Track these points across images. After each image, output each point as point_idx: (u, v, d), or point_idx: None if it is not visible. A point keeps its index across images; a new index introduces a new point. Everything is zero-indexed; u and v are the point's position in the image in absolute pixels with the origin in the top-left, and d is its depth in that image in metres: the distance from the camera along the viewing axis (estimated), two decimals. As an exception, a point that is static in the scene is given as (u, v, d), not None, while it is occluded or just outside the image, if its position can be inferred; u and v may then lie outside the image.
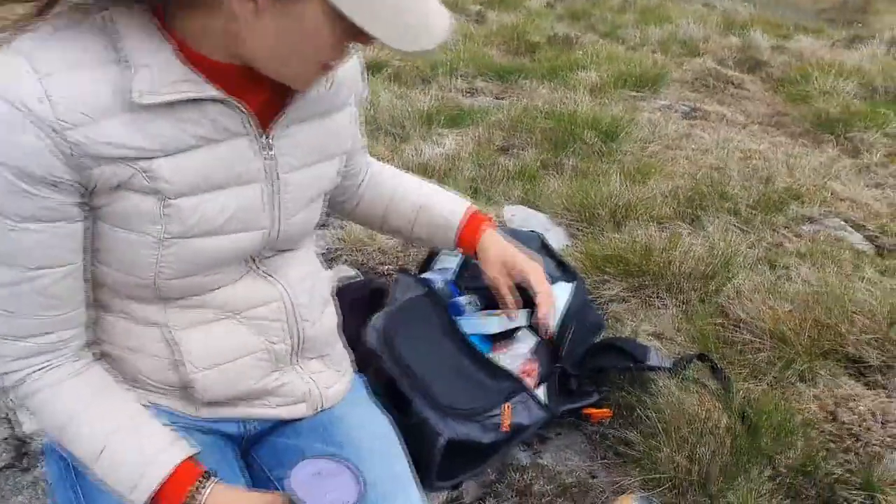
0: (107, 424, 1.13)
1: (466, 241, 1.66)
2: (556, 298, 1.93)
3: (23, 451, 1.84)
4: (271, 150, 1.15)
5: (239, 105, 1.07)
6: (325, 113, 1.23)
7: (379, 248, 2.91)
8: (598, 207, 3.15)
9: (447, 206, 1.68)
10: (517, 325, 1.96)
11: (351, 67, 1.28)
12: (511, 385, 1.76)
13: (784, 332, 2.39)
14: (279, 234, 1.23)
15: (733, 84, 5.74)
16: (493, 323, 1.97)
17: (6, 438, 1.86)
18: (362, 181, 1.62)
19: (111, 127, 0.98)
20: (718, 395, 2.10)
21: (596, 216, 3.14)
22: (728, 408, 2.04)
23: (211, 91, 1.03)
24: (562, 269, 2.18)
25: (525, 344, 1.94)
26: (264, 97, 1.12)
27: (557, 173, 3.65)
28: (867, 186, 3.76)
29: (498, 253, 1.65)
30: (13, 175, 0.96)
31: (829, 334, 2.39)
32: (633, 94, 5.24)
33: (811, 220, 3.32)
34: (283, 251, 1.30)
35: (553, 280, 2.09)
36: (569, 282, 2.12)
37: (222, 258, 1.17)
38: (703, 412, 1.99)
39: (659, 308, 2.63)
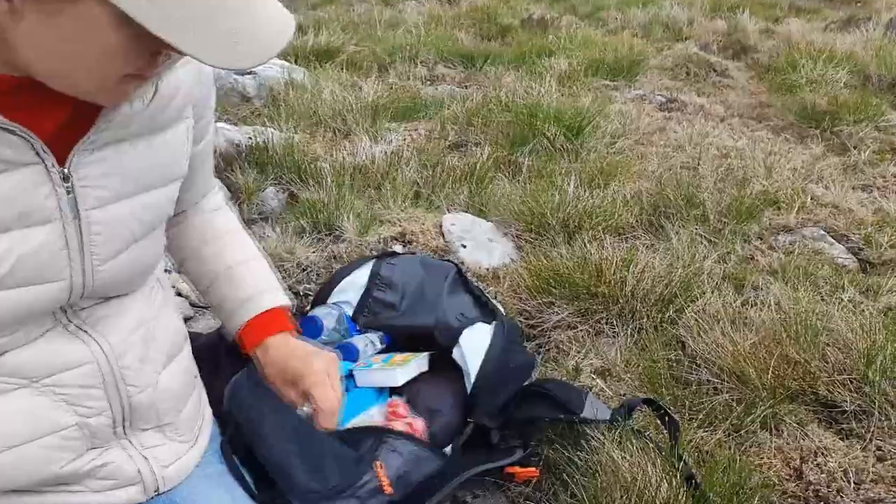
0: None
1: (251, 332, 1.29)
2: (470, 348, 1.67)
3: None
4: (68, 181, 0.95)
5: (23, 132, 0.89)
6: (149, 131, 1.03)
7: (298, 264, 2.60)
8: (549, 216, 2.82)
9: (256, 288, 1.32)
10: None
11: (186, 71, 1.06)
12: (372, 438, 1.47)
13: (746, 370, 2.08)
14: (90, 285, 1.01)
15: (716, 71, 5.40)
16: (396, 374, 1.70)
17: None
18: (192, 205, 1.35)
19: None
20: (664, 449, 1.78)
21: (546, 226, 2.82)
22: (672, 468, 1.72)
23: None
24: (481, 307, 1.89)
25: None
26: (62, 117, 0.93)
27: (511, 174, 3.33)
28: (853, 188, 3.43)
29: (280, 358, 1.26)
30: None
31: (798, 373, 2.09)
32: (607, 83, 4.90)
33: (788, 229, 2.99)
34: (108, 298, 1.08)
35: (471, 321, 1.83)
36: (488, 322, 1.83)
37: (4, 320, 0.95)
38: (642, 476, 1.68)
39: (608, 337, 2.33)
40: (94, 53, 0.83)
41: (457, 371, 1.80)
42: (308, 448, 1.40)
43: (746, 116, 4.57)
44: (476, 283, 2.16)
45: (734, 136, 4.07)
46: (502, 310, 2.01)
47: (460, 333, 1.82)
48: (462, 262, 2.60)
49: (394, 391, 1.75)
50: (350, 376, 1.73)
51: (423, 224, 2.83)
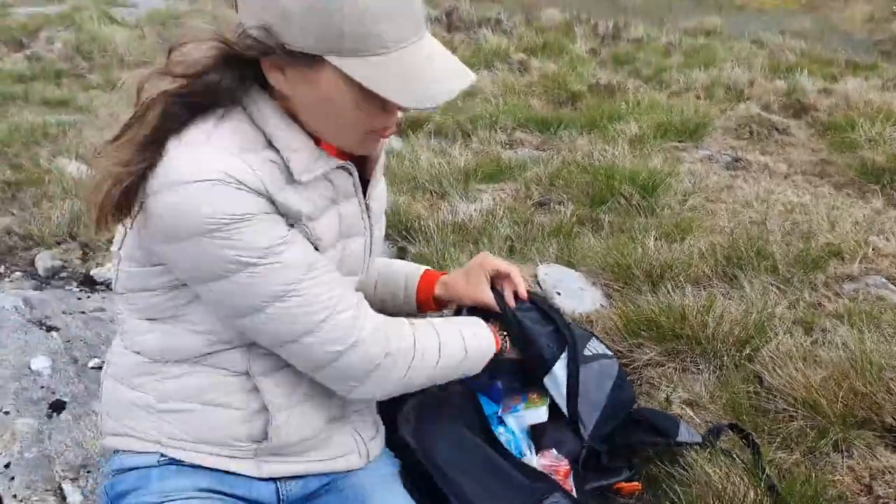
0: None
1: (427, 282, 1.77)
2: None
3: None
4: (369, 208, 1.42)
5: (350, 170, 1.34)
6: (380, 180, 1.49)
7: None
8: (634, 267, 3.16)
9: (407, 267, 1.83)
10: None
11: (385, 159, 1.54)
12: (545, 486, 1.75)
13: (818, 400, 2.36)
14: (364, 279, 1.48)
15: (778, 130, 5.69)
16: (541, 412, 1.95)
17: (54, 509, 1.94)
18: None
19: (287, 195, 1.23)
20: (748, 465, 2.09)
21: (631, 276, 3.15)
22: (756, 480, 2.03)
23: (337, 160, 1.30)
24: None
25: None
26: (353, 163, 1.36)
27: (594, 230, 3.68)
28: (912, 240, 3.69)
29: (456, 278, 1.75)
30: (259, 212, 1.20)
31: (865, 403, 2.36)
32: (675, 144, 5.24)
33: (852, 278, 3.27)
34: None
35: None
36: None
37: None
38: (731, 487, 1.98)
39: (693, 373, 2.63)
40: (341, 111, 1.20)
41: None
42: (493, 472, 1.67)
43: (809, 173, 4.86)
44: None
45: (798, 193, 4.37)
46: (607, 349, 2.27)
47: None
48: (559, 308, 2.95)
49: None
50: (501, 421, 1.93)
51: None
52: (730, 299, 2.97)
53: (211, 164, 1.14)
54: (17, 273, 3.25)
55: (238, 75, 1.20)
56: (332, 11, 1.07)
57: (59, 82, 6.74)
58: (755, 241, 3.43)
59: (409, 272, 1.77)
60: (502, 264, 1.74)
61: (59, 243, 3.40)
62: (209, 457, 1.38)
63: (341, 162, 1.30)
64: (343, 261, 1.37)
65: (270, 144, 1.22)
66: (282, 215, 1.23)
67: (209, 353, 1.35)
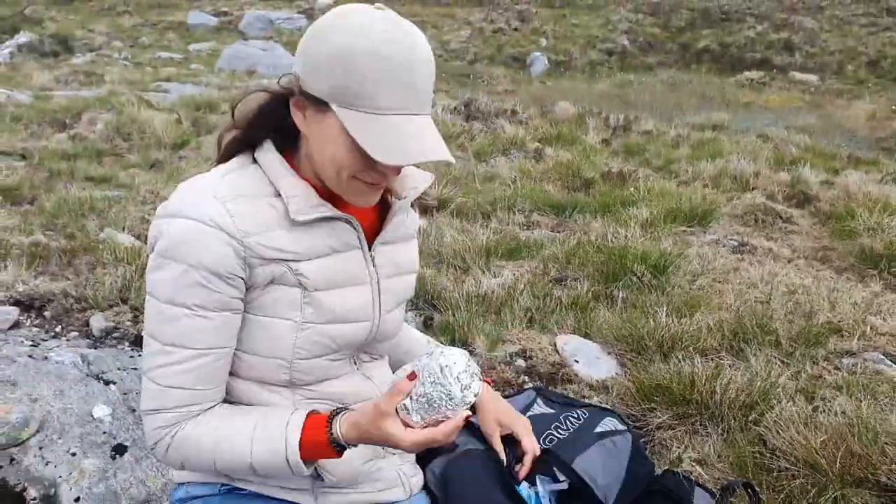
0: (246, 427, 1.44)
1: None
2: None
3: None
4: (374, 261, 1.54)
5: (353, 223, 1.47)
6: (404, 239, 1.63)
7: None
8: (647, 339, 3.39)
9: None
10: None
11: (416, 220, 1.71)
12: None
13: (818, 460, 2.56)
14: (379, 328, 1.60)
15: (782, 218, 5.99)
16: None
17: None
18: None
19: (273, 237, 1.40)
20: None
21: (644, 347, 3.38)
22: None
23: (338, 212, 1.45)
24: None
25: None
26: (359, 217, 1.49)
27: (608, 305, 3.93)
28: (909, 321, 3.92)
29: (494, 409, 1.83)
30: (201, 274, 1.35)
31: (862, 464, 2.56)
32: (684, 228, 5.53)
33: (851, 353, 3.49)
34: (374, 358, 1.68)
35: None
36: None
37: (342, 343, 1.54)
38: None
39: (702, 435, 2.83)
40: (336, 152, 1.34)
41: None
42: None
43: (811, 258, 5.13)
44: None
45: (801, 276, 4.63)
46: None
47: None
48: (577, 374, 3.18)
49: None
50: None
51: (540, 343, 3.43)
52: (736, 370, 3.18)
53: (194, 204, 1.37)
54: (73, 333, 3.50)
55: (268, 125, 1.46)
56: (348, 69, 1.26)
57: (101, 161, 7.13)
58: (760, 318, 3.67)
59: None
60: (525, 438, 1.86)
61: (111, 306, 3.66)
62: (272, 489, 1.56)
63: (341, 213, 1.44)
64: (343, 307, 1.48)
65: (278, 193, 1.41)
66: (250, 263, 1.38)
67: (259, 392, 1.53)
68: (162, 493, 2.29)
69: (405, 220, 1.62)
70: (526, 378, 3.16)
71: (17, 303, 3.68)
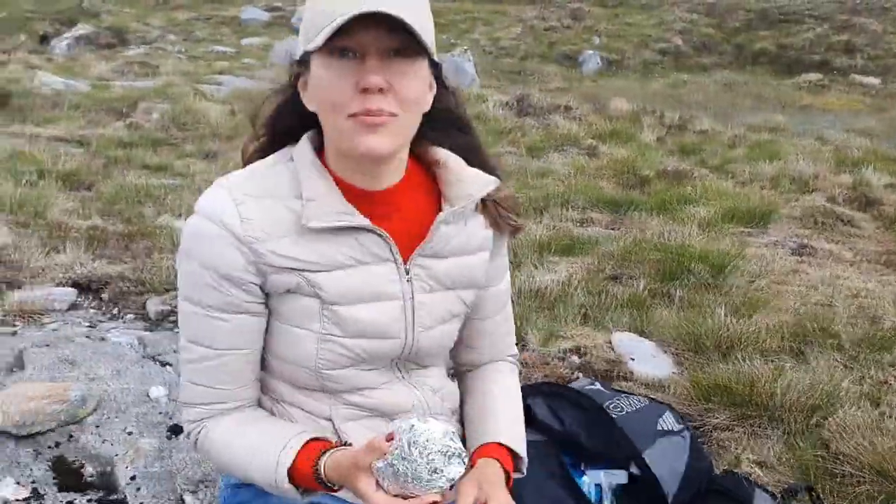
0: (252, 440, 1.39)
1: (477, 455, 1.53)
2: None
3: (190, 528, 2.14)
4: (409, 275, 1.39)
5: (382, 235, 1.34)
6: (458, 252, 1.44)
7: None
8: (705, 338, 3.32)
9: (496, 427, 1.58)
10: None
11: (484, 232, 1.48)
12: None
13: (886, 466, 2.48)
14: (414, 345, 1.46)
15: (843, 221, 5.83)
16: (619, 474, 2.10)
17: (176, 515, 2.16)
18: (483, 363, 1.69)
19: (284, 244, 1.31)
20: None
21: (702, 346, 3.31)
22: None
23: (362, 221, 1.33)
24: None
25: None
26: (402, 225, 1.38)
27: (665, 303, 3.85)
28: (979, 326, 3.78)
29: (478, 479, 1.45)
30: (212, 276, 1.30)
31: (933, 473, 2.47)
32: (742, 229, 5.42)
33: (919, 360, 3.38)
34: (422, 367, 1.56)
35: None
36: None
37: (369, 359, 1.44)
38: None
39: (762, 437, 2.75)
40: (323, 98, 1.26)
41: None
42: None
43: (874, 262, 4.98)
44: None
45: (864, 279, 4.49)
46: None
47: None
48: (632, 372, 3.13)
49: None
50: (583, 473, 2.09)
51: (595, 340, 3.37)
52: (797, 372, 3.10)
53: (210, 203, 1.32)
54: (130, 315, 3.55)
55: (291, 126, 1.38)
56: (308, 8, 1.24)
57: (157, 150, 7.24)
58: (822, 321, 3.57)
59: (478, 436, 1.57)
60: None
61: (167, 290, 3.69)
62: None
63: (364, 224, 1.32)
64: (368, 323, 1.38)
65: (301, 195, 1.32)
66: (262, 270, 1.32)
67: (296, 395, 1.49)
68: (217, 474, 2.30)
69: (460, 232, 1.43)
70: (580, 374, 3.11)
71: (75, 284, 3.75)
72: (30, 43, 20.06)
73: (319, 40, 1.17)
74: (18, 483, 2.30)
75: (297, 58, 1.30)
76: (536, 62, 20.78)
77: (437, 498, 1.18)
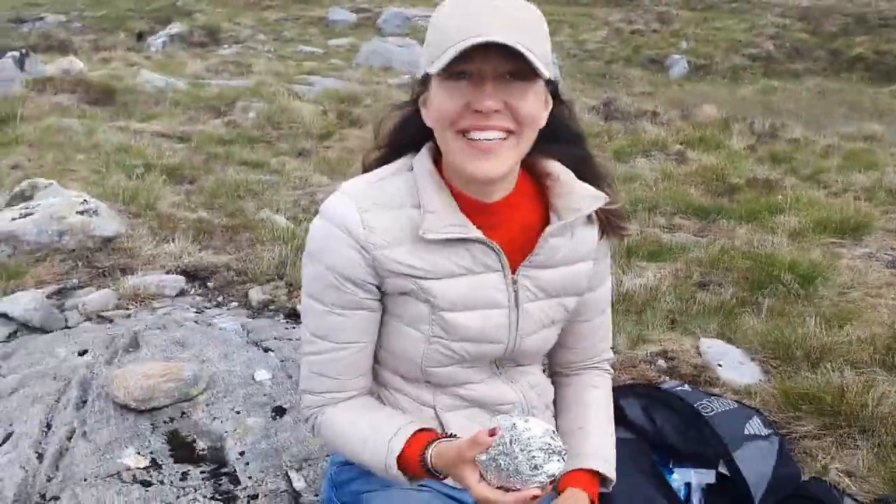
0: (365, 427, 1.50)
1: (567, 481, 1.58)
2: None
3: None
4: (516, 285, 1.48)
5: (493, 247, 1.42)
6: (564, 262, 1.51)
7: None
8: (794, 347, 3.32)
9: (587, 448, 1.63)
10: None
11: (591, 242, 1.54)
12: None
13: (982, 483, 2.45)
14: (516, 349, 1.55)
15: (942, 235, 5.66)
16: (708, 474, 2.15)
17: (284, 491, 2.30)
18: (577, 363, 1.75)
19: (401, 252, 1.42)
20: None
21: (791, 355, 3.31)
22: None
23: (475, 233, 1.42)
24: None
25: None
26: (510, 235, 1.45)
27: (754, 311, 3.85)
28: None
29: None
30: (335, 277, 1.43)
31: None
32: (834, 240, 5.33)
33: None
34: (520, 365, 1.65)
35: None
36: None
37: (472, 360, 1.54)
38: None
39: (851, 448, 2.75)
40: (436, 111, 1.34)
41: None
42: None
43: (978, 279, 4.83)
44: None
45: (963, 295, 4.38)
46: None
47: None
48: (719, 378, 3.16)
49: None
50: (671, 471, 2.16)
51: (682, 345, 3.40)
52: (890, 385, 3.07)
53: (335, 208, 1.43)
54: (234, 303, 3.74)
55: (412, 139, 1.48)
56: (432, 29, 1.31)
57: (253, 147, 7.52)
58: (920, 337, 3.51)
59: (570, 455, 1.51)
60: None
61: (268, 280, 3.89)
62: None
63: (476, 236, 1.40)
64: (474, 328, 1.46)
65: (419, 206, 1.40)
66: (380, 273, 1.42)
67: (403, 384, 1.60)
68: (320, 452, 2.44)
69: (567, 243, 1.49)
70: (667, 378, 3.15)
71: (183, 272, 3.97)
72: (127, 41, 20.92)
73: (440, 65, 1.25)
74: (139, 453, 2.49)
75: (419, 77, 1.40)
76: (621, 65, 20.62)
77: (538, 492, 1.24)
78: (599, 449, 1.63)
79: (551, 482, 1.25)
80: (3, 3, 27.01)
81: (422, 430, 1.45)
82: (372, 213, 1.40)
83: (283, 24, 24.99)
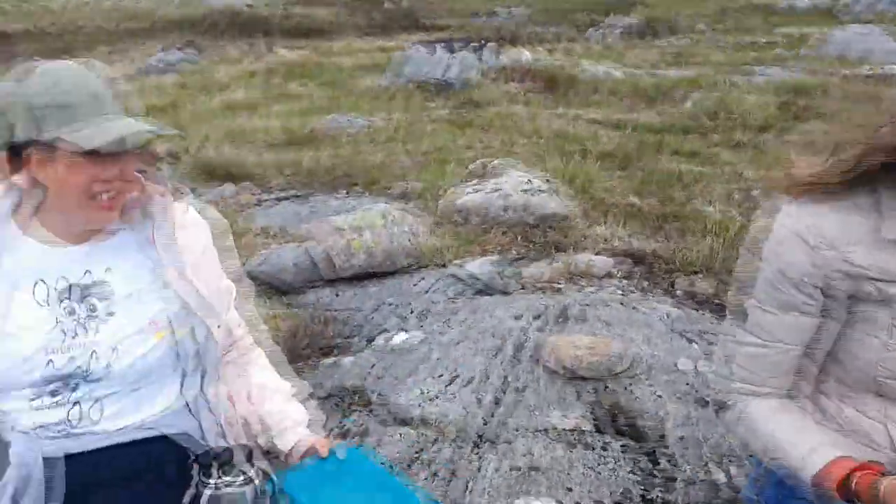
0: (785, 429, 1.44)
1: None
2: None
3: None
4: None
5: None
6: None
7: None
8: None
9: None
10: None
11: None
12: None
13: None
14: None
15: None
16: None
17: (703, 481, 2.31)
18: None
19: (859, 252, 1.33)
20: None
21: None
22: None
23: None
24: None
25: None
26: None
27: None
28: None
29: None
30: (775, 274, 1.40)
31: None
32: None
33: None
34: None
35: None
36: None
37: None
38: None
39: None
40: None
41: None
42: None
43: None
44: None
45: None
46: None
47: None
48: None
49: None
50: None
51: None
52: None
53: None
54: (658, 291, 3.79)
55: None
56: None
57: (687, 136, 7.44)
58: None
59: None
60: None
61: (694, 272, 3.87)
62: None
63: None
64: None
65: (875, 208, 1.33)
66: (829, 275, 1.36)
67: (845, 393, 1.47)
68: (743, 449, 2.41)
69: None
70: None
71: (612, 255, 4.12)
72: (570, 32, 22.03)
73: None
74: (564, 416, 2.67)
75: None
76: None
77: None
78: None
79: None
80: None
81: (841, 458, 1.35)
82: (824, 217, 1.37)
83: (726, 13, 24.31)
